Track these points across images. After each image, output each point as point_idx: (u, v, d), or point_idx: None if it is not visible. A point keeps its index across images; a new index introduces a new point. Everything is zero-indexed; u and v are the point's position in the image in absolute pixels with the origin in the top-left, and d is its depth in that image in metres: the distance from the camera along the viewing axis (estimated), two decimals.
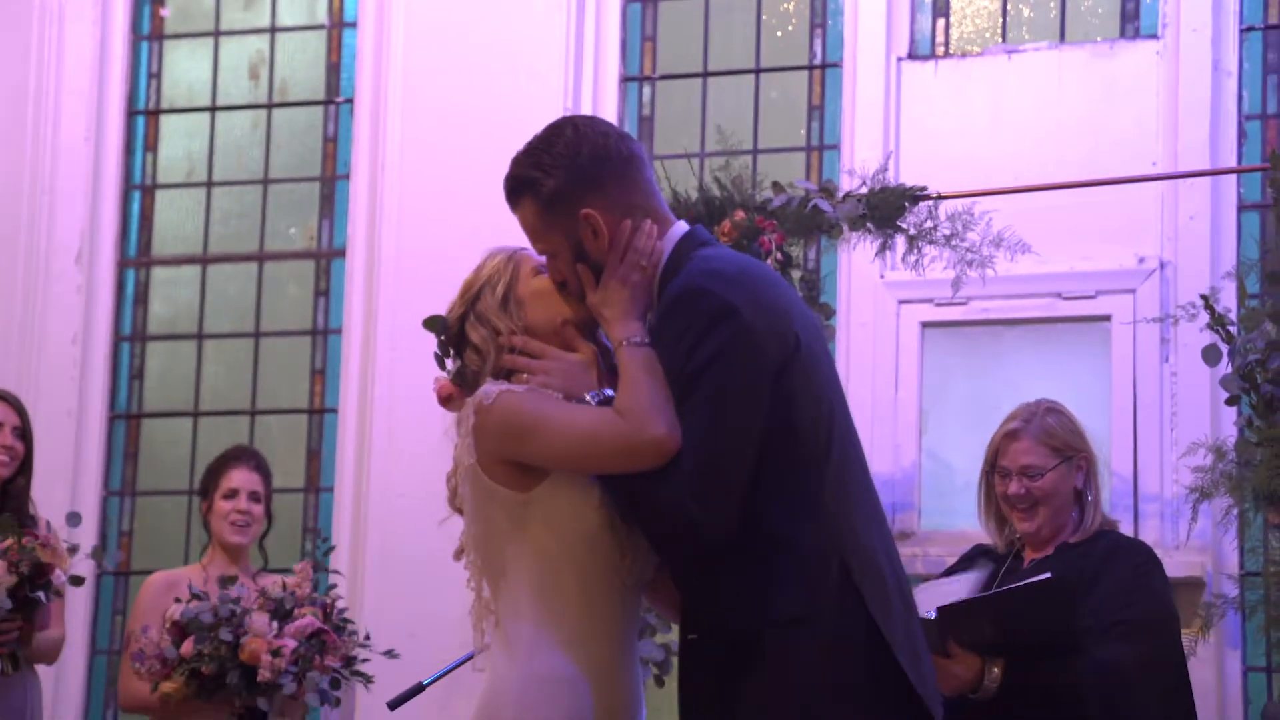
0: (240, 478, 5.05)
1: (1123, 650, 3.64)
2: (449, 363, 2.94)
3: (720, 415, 2.65)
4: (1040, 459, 3.81)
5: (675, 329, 2.72)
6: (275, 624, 4.54)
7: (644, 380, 2.70)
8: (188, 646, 4.51)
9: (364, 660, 4.66)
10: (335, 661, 4.59)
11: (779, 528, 2.69)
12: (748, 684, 2.69)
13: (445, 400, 2.93)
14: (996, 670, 3.57)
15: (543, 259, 2.93)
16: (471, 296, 2.93)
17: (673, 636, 5.24)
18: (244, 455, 5.17)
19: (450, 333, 2.94)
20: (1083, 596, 3.64)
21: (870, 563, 2.73)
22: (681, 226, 2.87)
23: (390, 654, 4.63)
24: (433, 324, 2.95)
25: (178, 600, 4.64)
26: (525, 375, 2.83)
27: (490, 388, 2.78)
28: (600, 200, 2.80)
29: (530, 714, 2.73)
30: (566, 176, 2.80)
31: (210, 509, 5.04)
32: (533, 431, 2.73)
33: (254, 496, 5.03)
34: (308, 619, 4.60)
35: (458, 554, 2.92)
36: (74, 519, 4.92)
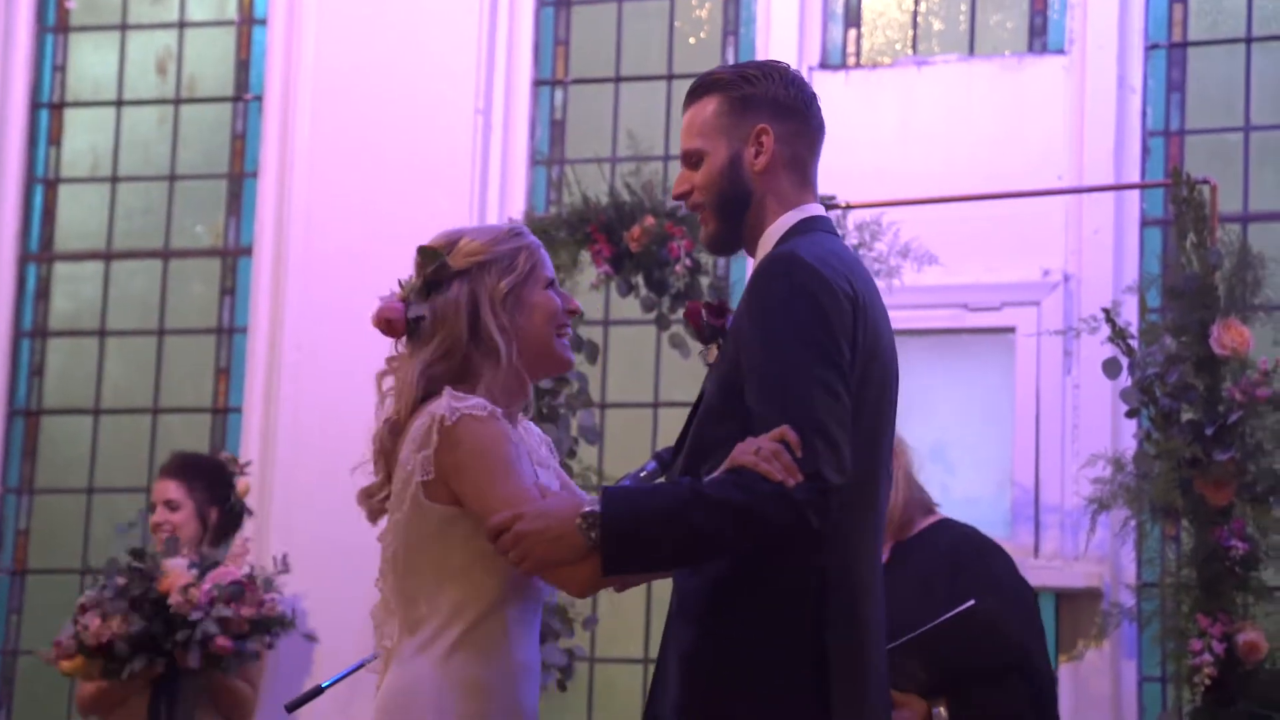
0: (158, 489, 5.07)
1: (1043, 665, 3.72)
2: (414, 305, 2.80)
3: (819, 380, 2.59)
4: None
5: (756, 292, 2.68)
6: (195, 571, 4.57)
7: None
8: (95, 623, 4.50)
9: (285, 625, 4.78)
10: (251, 612, 4.61)
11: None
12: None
13: (386, 324, 2.80)
14: (943, 710, 3.57)
15: (552, 272, 2.87)
16: (477, 263, 2.81)
17: (576, 641, 5.24)
18: (166, 464, 5.18)
19: (437, 276, 2.80)
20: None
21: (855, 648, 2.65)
22: (808, 210, 2.84)
23: (310, 637, 4.74)
24: (429, 254, 2.81)
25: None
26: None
27: (449, 406, 2.69)
28: (780, 129, 2.82)
29: (448, 715, 2.69)
30: (766, 91, 2.83)
31: None
32: (472, 473, 2.68)
33: (170, 505, 5.00)
34: (229, 569, 4.63)
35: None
36: None
